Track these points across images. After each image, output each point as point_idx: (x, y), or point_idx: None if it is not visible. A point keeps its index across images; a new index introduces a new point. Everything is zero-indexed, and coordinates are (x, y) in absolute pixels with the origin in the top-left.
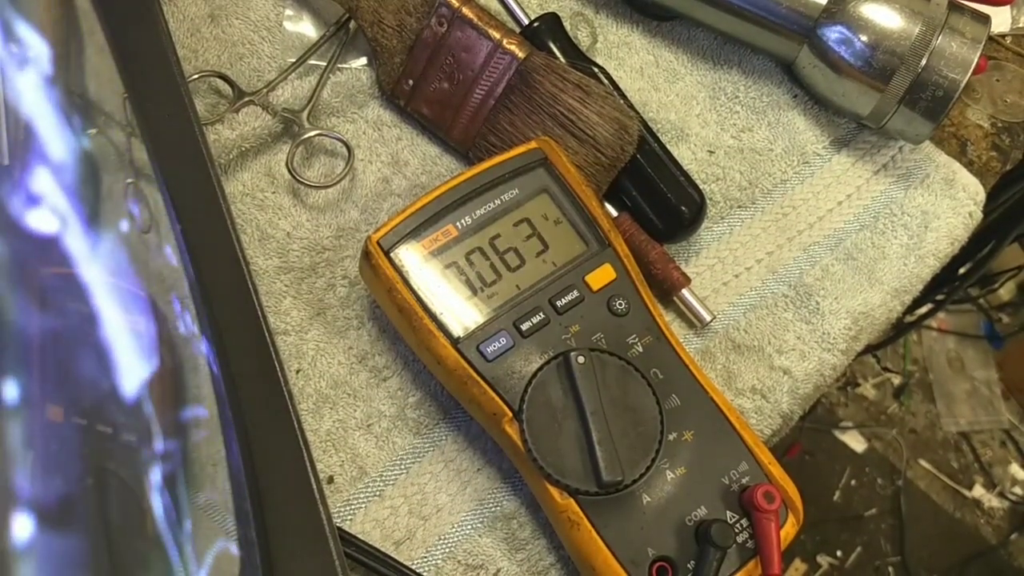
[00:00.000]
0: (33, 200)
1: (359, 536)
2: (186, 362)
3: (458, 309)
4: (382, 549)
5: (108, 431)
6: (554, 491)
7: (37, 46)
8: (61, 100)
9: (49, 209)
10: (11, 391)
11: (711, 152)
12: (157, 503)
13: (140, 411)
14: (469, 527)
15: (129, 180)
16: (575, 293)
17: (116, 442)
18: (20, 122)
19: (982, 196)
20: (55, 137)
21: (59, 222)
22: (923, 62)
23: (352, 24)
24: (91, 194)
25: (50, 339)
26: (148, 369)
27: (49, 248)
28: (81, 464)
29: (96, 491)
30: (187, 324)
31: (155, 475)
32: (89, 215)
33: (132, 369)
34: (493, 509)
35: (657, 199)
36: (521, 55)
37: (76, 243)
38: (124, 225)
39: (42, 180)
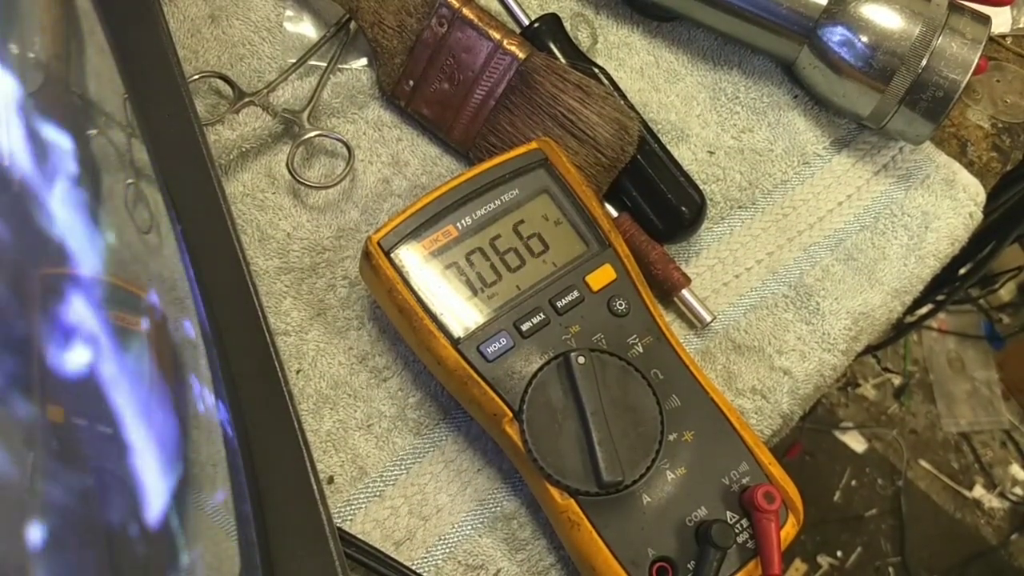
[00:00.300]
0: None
1: (359, 536)
2: (186, 364)
3: (458, 309)
4: (382, 549)
5: (108, 431)
6: (554, 491)
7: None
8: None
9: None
10: None
11: (711, 153)
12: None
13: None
14: (469, 527)
15: (129, 181)
16: (575, 293)
17: (114, 442)
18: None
19: (982, 197)
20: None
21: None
22: (923, 63)
23: (352, 25)
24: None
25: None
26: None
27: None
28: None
29: (95, 490)
30: (187, 327)
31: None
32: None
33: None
34: (493, 509)
35: (657, 200)
36: (521, 56)
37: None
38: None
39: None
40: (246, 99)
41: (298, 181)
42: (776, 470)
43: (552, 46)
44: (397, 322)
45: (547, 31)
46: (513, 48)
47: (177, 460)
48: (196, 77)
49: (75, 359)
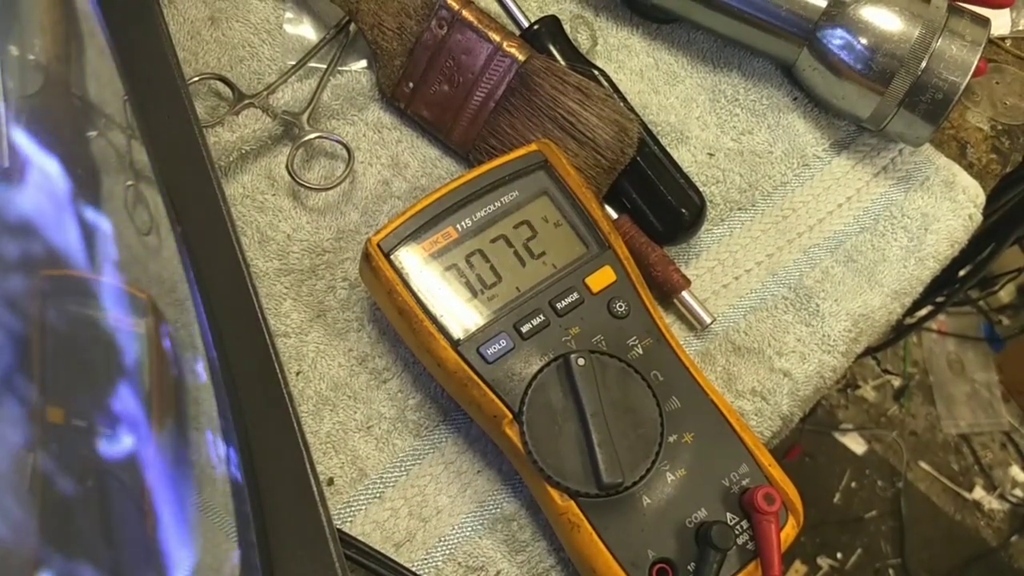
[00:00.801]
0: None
1: (359, 538)
2: (186, 365)
3: (458, 311)
4: (382, 551)
5: (108, 432)
6: (554, 493)
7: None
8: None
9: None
10: None
11: (711, 154)
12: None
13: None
14: (469, 529)
15: (129, 182)
16: (575, 295)
17: (115, 443)
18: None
19: (982, 198)
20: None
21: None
22: (923, 65)
23: (352, 27)
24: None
25: None
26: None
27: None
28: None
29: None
30: (188, 330)
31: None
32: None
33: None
34: (493, 511)
35: (657, 201)
36: (521, 58)
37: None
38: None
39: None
40: (246, 101)
41: (298, 183)
42: (776, 472)
43: (552, 48)
44: (397, 324)
45: (547, 33)
46: (513, 50)
47: (179, 464)
48: (196, 79)
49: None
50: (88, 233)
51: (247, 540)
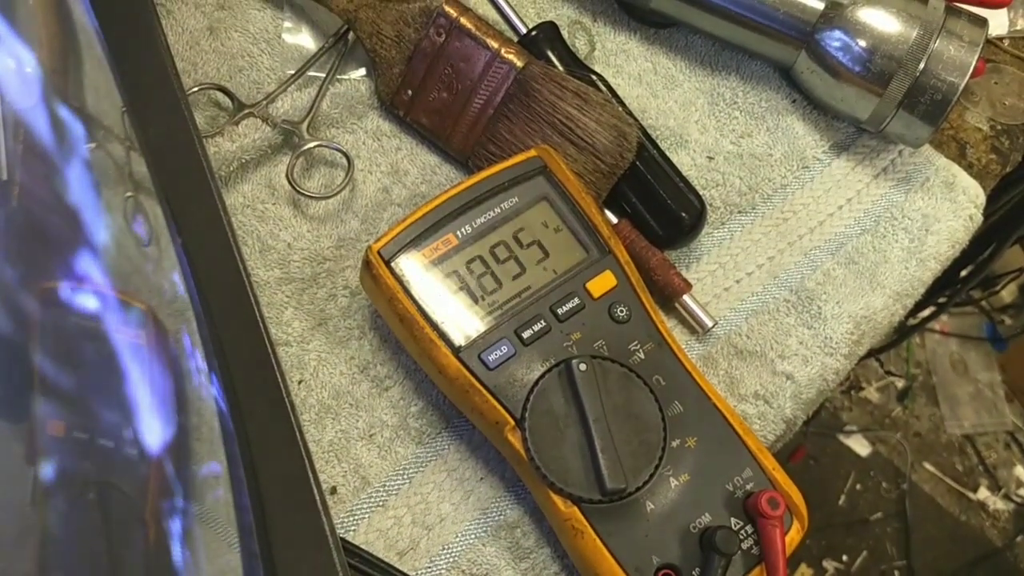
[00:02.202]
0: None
1: (363, 547)
2: (187, 375)
3: (459, 318)
4: (386, 560)
5: (110, 444)
6: (557, 499)
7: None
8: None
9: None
10: None
11: (710, 158)
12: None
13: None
14: (473, 536)
15: (129, 194)
16: (576, 300)
17: (117, 455)
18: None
19: (982, 199)
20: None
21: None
22: (921, 66)
23: (351, 35)
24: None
25: None
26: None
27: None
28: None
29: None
30: (188, 339)
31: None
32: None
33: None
34: (497, 518)
35: (657, 205)
36: (519, 64)
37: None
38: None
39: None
40: (245, 111)
41: (298, 192)
42: (780, 475)
43: (550, 54)
44: (398, 331)
45: (545, 39)
46: (511, 56)
47: (180, 473)
48: (195, 89)
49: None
50: (88, 243)
51: (250, 550)
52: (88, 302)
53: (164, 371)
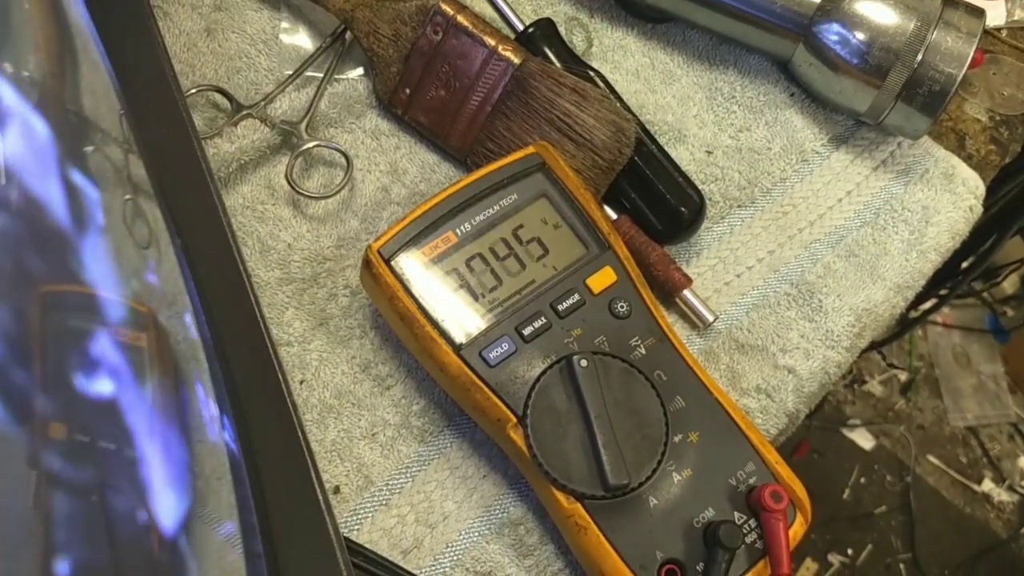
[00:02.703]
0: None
1: (366, 546)
2: (189, 378)
3: (460, 315)
4: (390, 558)
5: (111, 447)
6: (560, 496)
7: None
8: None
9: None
10: None
11: (709, 152)
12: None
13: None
14: (476, 534)
15: (127, 196)
16: (576, 297)
17: (118, 456)
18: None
19: (982, 190)
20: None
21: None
22: (919, 57)
23: (348, 35)
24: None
25: None
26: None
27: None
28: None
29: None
30: (189, 341)
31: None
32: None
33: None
34: (500, 515)
35: (656, 201)
36: (516, 61)
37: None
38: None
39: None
40: (244, 112)
41: (297, 192)
42: (783, 469)
43: (547, 51)
44: (399, 330)
45: (542, 36)
46: (508, 54)
47: (185, 473)
48: (193, 91)
49: (79, 375)
50: (87, 247)
51: (253, 551)
52: (88, 304)
53: (164, 372)
